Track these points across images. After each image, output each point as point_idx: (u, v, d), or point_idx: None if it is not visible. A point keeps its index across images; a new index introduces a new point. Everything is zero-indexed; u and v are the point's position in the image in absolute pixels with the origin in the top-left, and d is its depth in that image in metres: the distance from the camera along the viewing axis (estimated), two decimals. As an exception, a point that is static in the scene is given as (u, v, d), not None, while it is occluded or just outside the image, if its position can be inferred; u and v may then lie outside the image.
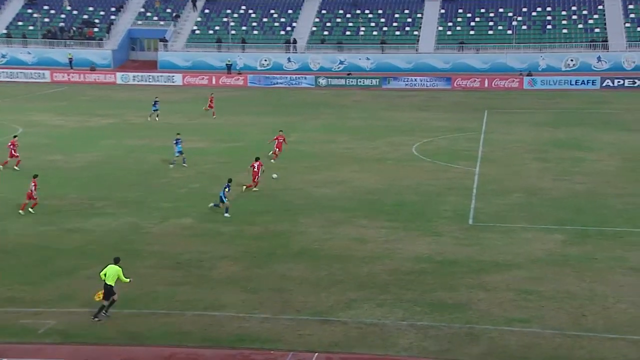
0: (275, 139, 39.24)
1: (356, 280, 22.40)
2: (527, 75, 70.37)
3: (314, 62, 77.62)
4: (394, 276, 22.90)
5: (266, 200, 31.64)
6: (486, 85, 69.38)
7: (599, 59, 74.32)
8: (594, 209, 29.96)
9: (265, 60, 78.05)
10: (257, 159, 32.94)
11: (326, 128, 49.49)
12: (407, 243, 26.13)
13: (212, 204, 29.60)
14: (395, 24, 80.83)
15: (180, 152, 37.94)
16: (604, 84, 67.17)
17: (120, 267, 19.77)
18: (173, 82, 73.53)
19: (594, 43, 76.08)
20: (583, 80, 67.89)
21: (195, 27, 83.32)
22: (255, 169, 32.52)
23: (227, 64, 76.81)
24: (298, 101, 62.48)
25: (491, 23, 79.93)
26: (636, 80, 66.81)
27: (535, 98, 62.97)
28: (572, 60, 74.49)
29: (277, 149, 38.73)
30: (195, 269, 23.39)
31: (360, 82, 70.99)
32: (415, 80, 70.50)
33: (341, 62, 77.52)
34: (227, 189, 29.11)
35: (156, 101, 52.04)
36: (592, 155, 40.09)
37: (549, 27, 78.56)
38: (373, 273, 23.12)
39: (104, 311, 19.51)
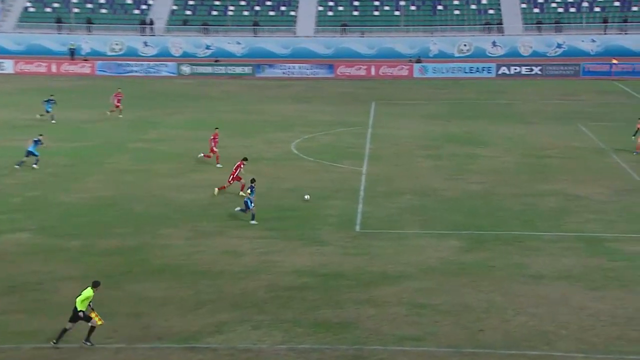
0: (213, 137, 38.55)
1: (228, 300, 22.32)
2: (417, 62, 72.49)
3: (175, 46, 76.75)
4: (272, 293, 22.99)
5: (121, 209, 31.00)
6: (373, 73, 70.91)
7: (494, 43, 77.68)
8: (490, 211, 31.23)
9: (117, 44, 76.41)
10: (245, 159, 33.06)
11: (191, 124, 49.04)
12: (287, 255, 26.30)
13: (237, 209, 29.80)
14: (269, 3, 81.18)
15: (31, 153, 36.88)
16: (499, 72, 70.22)
17: (93, 291, 19.41)
18: (2, 69, 70.69)
19: (489, 26, 79.42)
20: (477, 68, 70.67)
21: (28, 4, 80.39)
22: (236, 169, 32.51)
23: (69, 49, 74.61)
24: (157, 92, 61.59)
25: (377, 3, 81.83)
26: (533, 67, 70.29)
27: (427, 87, 64.98)
28: (465, 45, 77.48)
29: (214, 148, 38.13)
30: (32, 293, 22.62)
31: (230, 70, 70.81)
32: (293, 67, 71.07)
33: (207, 47, 77.05)
34: (250, 192, 29.15)
35: (50, 100, 49.39)
36: (488, 151, 41.80)
37: (439, 7, 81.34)
38: (248, 290, 23.13)
39: (84, 340, 19.39)
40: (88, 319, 19.38)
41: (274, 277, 24.23)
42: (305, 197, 31.73)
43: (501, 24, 79.50)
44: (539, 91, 62.64)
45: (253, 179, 30.09)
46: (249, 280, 23.88)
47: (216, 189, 32.94)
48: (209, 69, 71.06)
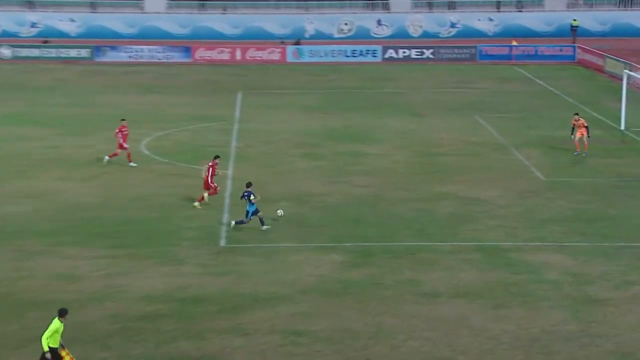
0: (119, 130, 38.10)
1: (63, 334, 21.80)
2: (293, 44, 72.94)
3: (-6, 23, 74.46)
4: (118, 324, 22.62)
5: None
6: (238, 57, 70.83)
7: (379, 22, 79.19)
8: (378, 219, 31.73)
9: None
10: (216, 157, 33.22)
11: (14, 119, 47.68)
12: (135, 277, 25.92)
13: (234, 222, 29.97)
14: (112, -28, 79.95)
15: None
16: (386, 55, 71.50)
17: (61, 322, 19.52)
18: None
19: (373, 2, 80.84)
20: (361, 51, 71.72)
21: None
22: (208, 172, 32.74)
23: None
24: (-28, 80, 59.60)
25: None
26: (424, 50, 71.98)
27: (303, 74, 65.38)
28: (346, 24, 78.62)
29: (123, 144, 37.92)
30: None
31: (62, 53, 69.17)
32: (142, 50, 70.16)
33: (33, 25, 75.10)
34: (252, 197, 29.66)
35: None
36: (375, 148, 42.50)
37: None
38: (87, 322, 22.68)
39: None
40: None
41: (119, 305, 23.83)
42: (278, 212, 30.87)
43: (387, 0, 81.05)
44: (431, 78, 64.14)
45: (249, 182, 30.43)
46: (89, 310, 23.43)
47: (197, 203, 32.55)
48: (35, 52, 69.19)
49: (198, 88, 59.01)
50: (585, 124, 40.47)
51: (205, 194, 32.96)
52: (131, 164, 37.99)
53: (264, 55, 71.20)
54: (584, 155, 40.18)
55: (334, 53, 71.46)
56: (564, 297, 24.90)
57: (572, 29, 77.96)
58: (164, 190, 34.83)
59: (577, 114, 41.20)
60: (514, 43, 72.39)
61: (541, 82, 61.77)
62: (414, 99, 56.19)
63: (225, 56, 70.82)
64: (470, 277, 26.30)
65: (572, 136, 40.63)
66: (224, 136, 44.78)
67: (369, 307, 24.05)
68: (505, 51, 71.82)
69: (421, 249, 28.78)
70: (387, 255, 28.14)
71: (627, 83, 47.44)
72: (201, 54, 70.80)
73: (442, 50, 71.75)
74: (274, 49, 71.72)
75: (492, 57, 71.32)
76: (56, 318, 19.75)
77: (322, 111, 51.42)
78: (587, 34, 79.54)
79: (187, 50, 70.73)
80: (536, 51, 71.64)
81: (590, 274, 26.60)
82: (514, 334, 22.49)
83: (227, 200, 33.60)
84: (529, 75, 64.90)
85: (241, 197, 30.57)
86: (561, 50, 71.79)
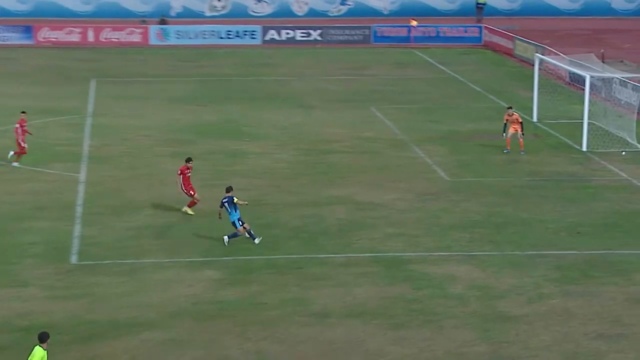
0: (19, 125, 38.41)
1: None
2: (159, 24, 72.33)
3: None
4: (-52, 361, 22.06)
5: None
6: (91, 39, 69.98)
7: (258, -1, 79.22)
8: (260, 227, 31.69)
9: None
10: (188, 160, 33.52)
11: None
12: (-32, 303, 25.35)
13: (226, 237, 29.91)
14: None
15: None
16: (267, 37, 71.62)
17: (44, 349, 19.43)
18: None
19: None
20: (237, 32, 71.66)
21: None
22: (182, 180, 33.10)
23: None
24: None
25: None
26: (311, 32, 72.37)
27: (169, 59, 65.03)
28: (219, 0, 78.38)
29: (22, 143, 38.32)
30: None
31: None
32: (-27, 30, 68.76)
33: None
34: (235, 200, 29.88)
35: None
36: (256, 146, 42.51)
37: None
38: None
39: None
40: None
41: (-52, 337, 23.24)
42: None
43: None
44: (319, 63, 64.53)
45: (229, 187, 30.43)
46: None
47: (187, 208, 32.96)
48: None
49: (42, 75, 58.04)
50: (520, 120, 41.32)
51: (187, 207, 33.04)
52: (15, 164, 38.21)
53: (121, 36, 70.47)
54: (522, 153, 41.01)
55: (205, 34, 71.21)
56: (472, 315, 25.31)
57: (477, 7, 79.61)
58: (0, 198, 34.21)
59: (511, 108, 42.11)
60: (413, 23, 73.41)
61: (444, 68, 62.87)
62: (299, 87, 56.40)
63: (75, 37, 69.83)
64: (365, 294, 26.49)
65: (504, 133, 41.38)
66: (74, 133, 44.14)
67: (250, 331, 24.00)
68: (403, 32, 72.85)
69: (310, 262, 28.86)
70: (271, 270, 28.14)
71: (539, 69, 48.66)
72: (45, 34, 69.64)
73: (332, 32, 72.33)
74: (134, 29, 71.07)
75: (388, 39, 72.25)
76: (37, 346, 19.50)
77: (192, 103, 51.15)
78: (495, 12, 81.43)
79: (28, 31, 69.44)
80: (438, 32, 72.90)
81: (500, 288, 27.11)
82: (415, 358, 22.75)
83: (79, 210, 33.11)
84: (430, 60, 65.95)
85: (221, 206, 30.20)
86: (466, 32, 73.23)
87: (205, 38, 70.84)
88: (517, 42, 66.38)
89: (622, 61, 58.88)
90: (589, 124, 42.30)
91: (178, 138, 43.55)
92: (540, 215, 33.35)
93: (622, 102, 47.22)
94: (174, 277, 27.43)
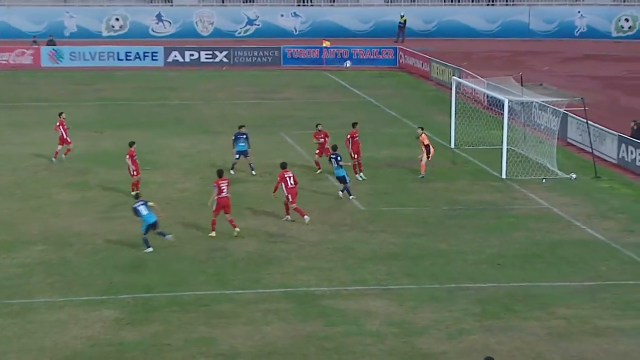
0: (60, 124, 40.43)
1: None
2: (48, 44, 71.59)
3: None
4: None
5: None
6: (-22, 61, 69.18)
7: (159, 17, 78.85)
8: (162, 262, 31.46)
9: None
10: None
11: None
12: None
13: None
14: None
15: None
16: (169, 59, 71.43)
17: None
18: None
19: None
20: (137, 53, 71.27)
21: None
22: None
23: None
24: None
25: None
26: (217, 53, 72.32)
27: (63, 82, 64.48)
28: (117, 19, 77.86)
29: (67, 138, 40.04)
30: None
31: None
32: None
33: None
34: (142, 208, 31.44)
35: None
36: (158, 174, 42.21)
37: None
38: None
39: None
40: None
41: None
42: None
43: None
44: (226, 86, 64.49)
45: (137, 193, 31.10)
46: None
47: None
48: None
49: None
50: (426, 142, 41.70)
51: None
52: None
53: (10, 58, 69.64)
54: (420, 177, 41.47)
55: (102, 56, 70.77)
56: (389, 352, 25.30)
57: (399, 27, 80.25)
58: None
59: (421, 128, 42.54)
60: (325, 44, 73.78)
61: (358, 91, 63.19)
62: (206, 112, 56.30)
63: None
64: (276, 332, 26.37)
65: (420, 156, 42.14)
66: (-39, 161, 43.51)
67: (152, 374, 23.76)
68: (314, 54, 73.13)
69: (217, 298, 28.68)
70: (175, 307, 27.88)
71: (457, 92, 49.14)
72: None
73: (239, 53, 72.39)
74: (24, 50, 70.25)
75: (299, 61, 72.53)
76: None
77: (89, 129, 50.64)
78: (411, 33, 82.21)
79: None
80: (351, 54, 73.29)
81: (419, 323, 27.16)
82: (330, 401, 22.65)
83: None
84: (343, 83, 66.25)
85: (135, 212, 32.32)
86: (380, 54, 73.77)
87: (102, 60, 70.38)
88: (434, 64, 67.12)
89: (541, 84, 59.81)
90: (508, 150, 42.83)
91: (73, 167, 43.07)
92: (459, 246, 33.55)
93: (542, 127, 47.84)
94: (69, 318, 27.01)
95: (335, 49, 73.20)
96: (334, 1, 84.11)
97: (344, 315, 27.65)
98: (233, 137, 42.57)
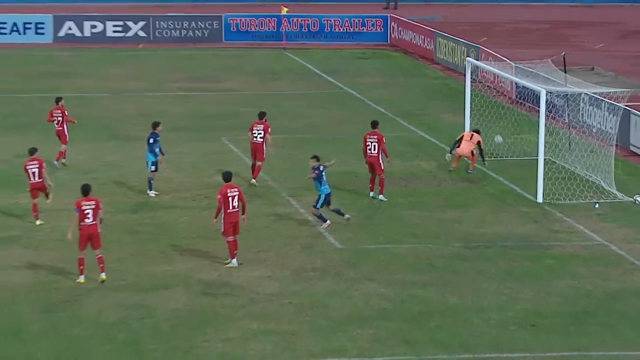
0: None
1: None
2: None
3: None
4: None
5: None
6: None
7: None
8: (58, 324, 31.36)
9: None
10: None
11: None
12: None
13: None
14: None
15: None
16: (61, 33, 71.76)
17: None
18: None
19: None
20: (16, 24, 71.59)
21: None
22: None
23: None
24: None
25: None
26: (130, 24, 72.47)
27: None
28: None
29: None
30: None
31: None
32: None
33: None
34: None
35: None
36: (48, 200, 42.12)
37: None
38: None
39: None
40: None
41: None
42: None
43: None
44: (144, 73, 64.84)
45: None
46: None
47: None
48: None
49: None
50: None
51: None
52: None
53: None
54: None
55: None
56: None
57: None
58: None
59: (477, 131, 44.62)
60: (283, 11, 73.02)
61: (332, 80, 63.26)
62: (115, 110, 56.65)
63: None
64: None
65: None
66: None
67: None
68: (270, 25, 73.21)
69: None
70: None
71: (472, 80, 49.27)
72: None
73: (162, 24, 72.90)
74: None
75: (248, 35, 72.65)
76: None
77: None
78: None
79: None
80: (322, 26, 73.17)
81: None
82: None
83: None
84: (311, 68, 66.30)
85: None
86: (364, 25, 73.71)
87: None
88: (440, 40, 67.21)
89: (592, 69, 60.12)
90: (546, 162, 42.92)
91: None
92: (477, 300, 33.55)
93: (595, 130, 48.03)
94: None
95: (298, 19, 73.13)
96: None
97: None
98: (148, 140, 42.39)
